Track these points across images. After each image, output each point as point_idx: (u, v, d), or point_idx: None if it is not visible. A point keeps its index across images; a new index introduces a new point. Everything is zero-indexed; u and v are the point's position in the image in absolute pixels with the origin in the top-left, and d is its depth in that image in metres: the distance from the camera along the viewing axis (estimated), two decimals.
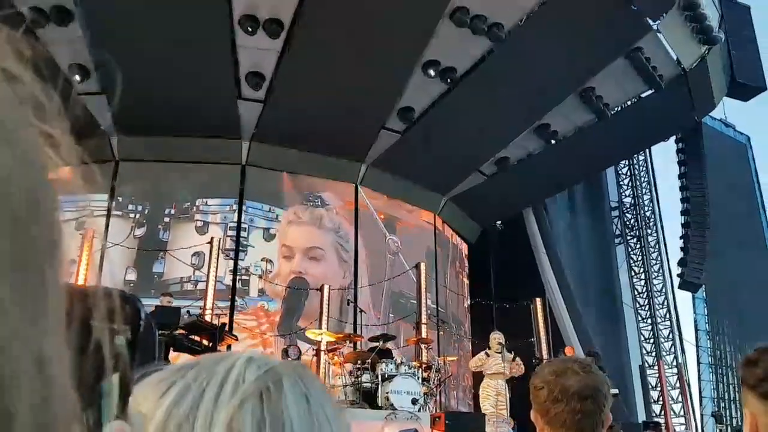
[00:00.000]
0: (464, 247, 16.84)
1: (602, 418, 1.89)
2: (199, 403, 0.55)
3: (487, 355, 9.95)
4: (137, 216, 12.40)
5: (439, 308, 14.58)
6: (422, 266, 13.90)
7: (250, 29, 10.45)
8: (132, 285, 11.53)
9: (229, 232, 12.40)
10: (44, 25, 9.80)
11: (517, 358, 10.08)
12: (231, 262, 12.09)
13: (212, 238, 11.62)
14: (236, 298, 11.97)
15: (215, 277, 10.99)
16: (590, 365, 1.98)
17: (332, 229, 13.32)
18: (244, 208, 12.54)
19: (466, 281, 16.66)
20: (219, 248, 11.40)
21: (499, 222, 16.90)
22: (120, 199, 12.22)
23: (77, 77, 10.57)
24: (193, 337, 8.86)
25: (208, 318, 10.22)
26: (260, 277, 12.19)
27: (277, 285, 12.32)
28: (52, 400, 0.31)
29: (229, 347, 10.09)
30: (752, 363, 1.59)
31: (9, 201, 0.30)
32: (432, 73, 11.59)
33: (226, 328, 10.23)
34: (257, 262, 12.45)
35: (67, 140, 0.34)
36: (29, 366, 0.30)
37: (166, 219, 12.35)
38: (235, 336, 10.70)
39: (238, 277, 12.05)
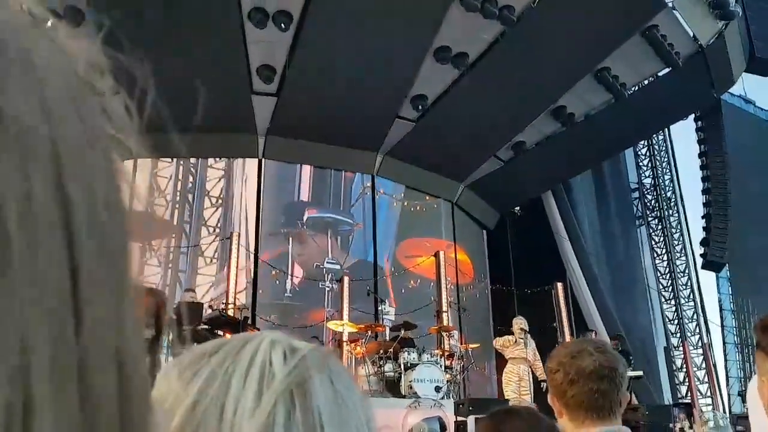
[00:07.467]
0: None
1: (619, 397, 1.89)
2: (227, 390, 0.56)
3: (516, 342, 9.92)
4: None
5: (459, 295, 14.55)
6: (441, 255, 13.86)
7: (259, 22, 10.43)
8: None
9: None
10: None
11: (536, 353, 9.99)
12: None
13: (231, 233, 12.06)
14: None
15: (237, 266, 11.71)
16: (604, 345, 1.99)
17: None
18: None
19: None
20: (238, 242, 11.89)
21: (518, 208, 16.78)
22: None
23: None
24: (216, 331, 8.96)
25: (230, 297, 11.11)
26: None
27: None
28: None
29: None
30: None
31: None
32: (443, 59, 11.50)
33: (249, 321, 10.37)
34: None
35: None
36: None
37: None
38: (258, 329, 10.81)
39: None
